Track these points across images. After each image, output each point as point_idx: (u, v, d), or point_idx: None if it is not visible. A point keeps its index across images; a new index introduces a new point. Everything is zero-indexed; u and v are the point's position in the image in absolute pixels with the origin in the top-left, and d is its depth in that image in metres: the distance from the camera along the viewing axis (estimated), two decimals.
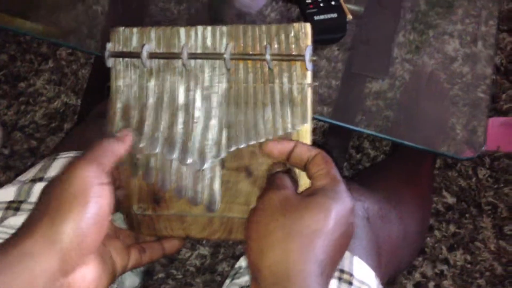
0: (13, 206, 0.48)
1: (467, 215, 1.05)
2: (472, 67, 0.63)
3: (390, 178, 0.67)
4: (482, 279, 1.00)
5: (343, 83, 0.60)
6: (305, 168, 0.43)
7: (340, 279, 0.47)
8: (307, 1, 0.58)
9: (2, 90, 1.12)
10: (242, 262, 0.52)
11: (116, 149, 0.42)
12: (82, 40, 0.66)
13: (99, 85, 1.09)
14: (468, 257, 1.02)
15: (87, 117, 0.70)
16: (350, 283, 0.46)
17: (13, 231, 0.45)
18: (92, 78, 1.13)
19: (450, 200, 1.07)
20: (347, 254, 0.48)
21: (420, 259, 1.00)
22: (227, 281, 0.52)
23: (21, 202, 0.49)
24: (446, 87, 0.61)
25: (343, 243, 0.39)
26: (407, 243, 0.60)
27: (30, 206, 0.48)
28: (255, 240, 0.38)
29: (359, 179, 0.61)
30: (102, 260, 0.40)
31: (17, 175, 0.53)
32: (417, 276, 1.00)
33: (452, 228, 1.04)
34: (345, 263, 0.48)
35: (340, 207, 0.38)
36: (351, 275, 0.47)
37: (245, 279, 0.50)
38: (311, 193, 0.40)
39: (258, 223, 0.39)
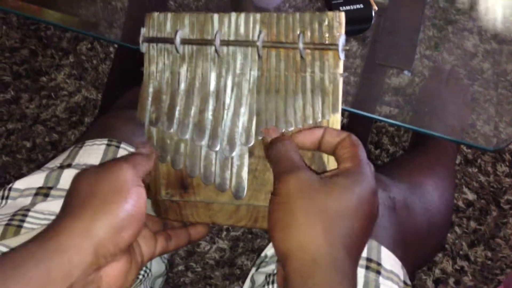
0: (43, 192, 0.49)
1: (487, 212, 1.04)
2: (492, 63, 0.63)
3: (413, 170, 0.67)
4: (502, 275, 0.99)
5: (366, 73, 0.60)
6: (334, 152, 0.42)
7: (368, 268, 0.46)
8: None
9: (24, 84, 1.14)
10: (268, 251, 0.52)
11: (149, 162, 0.45)
12: (104, 31, 0.67)
13: (120, 80, 1.10)
14: (489, 254, 1.01)
15: (109, 109, 0.70)
16: (378, 272, 0.46)
17: (43, 216, 0.46)
18: (112, 73, 1.14)
19: (471, 196, 1.06)
20: (374, 243, 0.48)
21: (440, 255, 1.00)
22: (253, 269, 0.52)
23: (50, 188, 0.49)
24: (467, 83, 0.61)
25: (367, 225, 0.38)
26: (431, 235, 0.60)
27: (60, 193, 0.49)
28: (279, 226, 0.38)
29: (382, 171, 0.60)
30: (132, 252, 0.41)
31: (38, 167, 0.54)
32: (437, 272, 0.99)
33: (472, 224, 1.03)
34: (372, 252, 0.47)
35: (364, 188, 0.38)
36: (379, 264, 0.47)
37: (271, 267, 0.50)
38: (334, 174, 0.39)
39: (280, 210, 0.38)
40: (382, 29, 0.61)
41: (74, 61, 1.16)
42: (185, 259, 0.99)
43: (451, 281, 0.99)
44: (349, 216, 0.37)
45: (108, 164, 0.41)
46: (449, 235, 1.02)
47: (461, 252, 1.01)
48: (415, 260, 0.56)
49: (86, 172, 0.41)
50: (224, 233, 1.01)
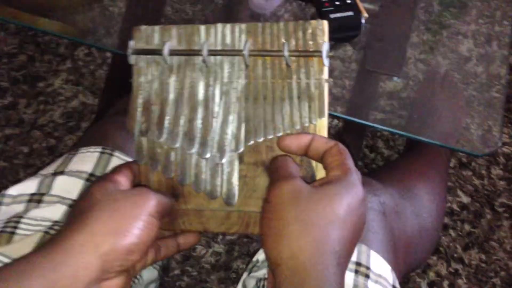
0: (35, 199, 0.50)
1: (482, 215, 1.05)
2: (486, 67, 0.63)
3: (405, 175, 0.68)
4: (497, 278, 1.00)
5: (357, 80, 0.61)
6: (321, 160, 0.43)
7: (357, 272, 0.47)
8: (323, 0, 0.59)
9: (22, 90, 1.14)
10: (259, 256, 0.53)
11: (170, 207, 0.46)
12: (101, 39, 0.67)
13: (116, 85, 1.11)
14: (483, 256, 1.01)
15: (106, 114, 0.71)
16: (367, 276, 0.47)
17: (36, 222, 0.47)
18: (109, 78, 1.15)
19: (465, 199, 1.06)
20: (364, 247, 0.49)
21: (435, 258, 1.00)
22: (245, 274, 0.53)
23: (42, 194, 0.50)
24: (461, 86, 0.62)
25: (356, 233, 0.39)
26: (422, 239, 0.61)
27: (52, 198, 0.50)
28: (271, 234, 0.38)
29: (374, 175, 0.61)
30: (130, 272, 0.41)
31: (35, 172, 0.55)
32: (431, 275, 1.00)
33: (467, 227, 1.04)
34: (362, 257, 0.48)
35: (353, 197, 0.39)
36: (368, 268, 0.47)
37: (262, 272, 0.51)
38: (323, 183, 0.40)
39: (272, 218, 0.39)
40: (373, 36, 0.62)
41: (71, 67, 1.17)
42: (181, 263, 0.99)
43: (445, 284, 1.00)
44: (339, 224, 0.37)
45: (136, 191, 0.42)
46: (443, 238, 1.03)
47: (455, 255, 1.02)
48: (407, 264, 0.56)
49: (108, 185, 0.42)
50: (220, 237, 1.02)
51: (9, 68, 1.16)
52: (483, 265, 1.01)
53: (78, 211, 0.40)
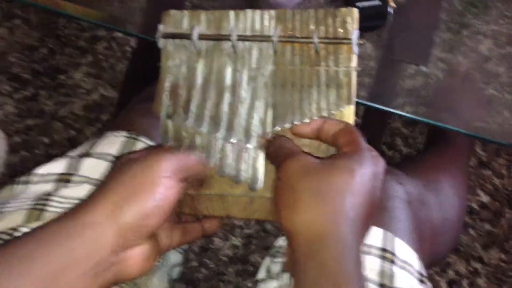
0: (64, 178, 0.50)
1: (502, 214, 1.04)
2: (507, 67, 0.63)
3: (428, 168, 0.67)
4: None
5: (382, 69, 0.61)
6: (334, 142, 0.43)
7: (383, 257, 0.47)
8: None
9: (43, 82, 1.16)
10: (281, 241, 0.53)
11: (195, 168, 0.44)
12: (124, 23, 0.68)
13: (136, 79, 1.12)
14: (503, 256, 1.00)
15: (131, 102, 0.72)
16: (393, 262, 0.47)
17: (66, 200, 0.47)
18: (129, 72, 1.16)
19: (485, 198, 1.05)
20: (389, 234, 0.48)
21: (454, 256, 0.99)
22: (267, 259, 0.53)
23: (70, 174, 0.51)
24: (481, 86, 0.61)
25: (370, 205, 0.39)
26: (446, 231, 0.60)
27: (79, 179, 0.50)
28: (284, 207, 0.39)
29: (397, 167, 0.61)
30: (153, 241, 0.42)
31: None
32: (450, 273, 0.99)
33: (486, 226, 1.03)
34: (387, 243, 0.48)
35: (364, 169, 0.39)
36: (393, 254, 0.47)
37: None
38: (333, 157, 0.40)
39: (284, 192, 0.39)
40: (399, 26, 0.61)
41: (92, 60, 1.18)
42: (199, 255, 1.00)
43: (464, 282, 0.99)
44: (352, 194, 0.38)
45: (149, 153, 0.42)
46: (463, 236, 1.02)
47: (475, 254, 1.01)
48: (429, 255, 0.56)
49: (125, 158, 0.42)
50: (238, 230, 1.02)
51: (31, 60, 1.17)
52: (503, 264, 1.00)
53: (99, 186, 0.41)
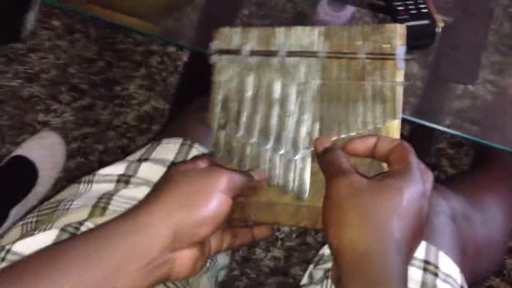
0: (124, 179, 0.54)
1: None
2: None
3: (474, 186, 0.67)
4: None
5: (430, 87, 0.62)
6: (387, 159, 0.44)
7: (425, 269, 0.47)
8: (398, 8, 0.60)
9: (99, 93, 1.22)
10: (325, 250, 0.54)
11: (248, 185, 0.47)
12: (183, 38, 0.72)
13: (186, 91, 1.17)
14: None
15: (185, 111, 0.76)
16: (436, 275, 0.47)
17: (125, 200, 0.51)
18: (180, 85, 1.20)
19: None
20: (432, 247, 0.49)
21: (498, 280, 0.97)
22: (311, 266, 0.54)
23: (130, 176, 0.54)
24: None
25: (417, 225, 0.39)
26: (490, 249, 0.60)
27: (138, 181, 0.54)
28: (332, 224, 0.40)
29: (442, 184, 0.61)
30: (203, 245, 0.44)
31: None
32: None
33: None
34: (430, 256, 0.48)
35: (413, 188, 0.39)
36: (436, 267, 0.48)
37: (329, 265, 0.52)
38: (384, 176, 0.41)
39: (332, 210, 0.41)
40: (447, 45, 0.62)
41: (145, 73, 1.24)
42: (240, 264, 1.02)
43: None
44: (399, 215, 0.38)
45: (209, 168, 0.45)
46: (507, 260, 0.99)
47: None
48: (474, 271, 0.56)
49: (184, 166, 0.45)
50: (279, 242, 1.03)
51: (89, 72, 1.24)
52: None
53: (156, 188, 0.44)
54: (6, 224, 1.05)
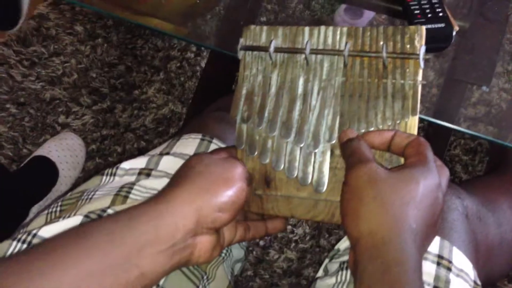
0: (145, 172, 0.56)
1: None
2: None
3: (488, 187, 0.68)
4: None
5: (446, 89, 0.63)
6: (403, 153, 0.45)
7: (438, 264, 0.48)
8: (415, 12, 0.62)
9: (119, 96, 1.25)
10: (341, 245, 0.56)
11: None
12: (205, 39, 0.75)
13: (203, 96, 1.19)
14: None
15: (205, 110, 0.78)
16: (449, 269, 0.48)
17: (146, 190, 0.53)
18: (198, 90, 1.23)
19: None
20: (446, 243, 0.50)
21: (511, 285, 0.97)
22: (326, 260, 0.56)
23: (151, 169, 0.56)
24: None
25: (432, 216, 0.41)
26: (503, 250, 0.60)
27: (159, 173, 0.56)
28: (350, 213, 0.42)
29: (457, 184, 0.62)
30: (218, 233, 0.46)
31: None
32: None
33: None
34: (444, 251, 0.50)
35: (429, 180, 0.41)
36: (450, 262, 0.49)
37: (344, 258, 0.53)
38: (401, 168, 0.43)
39: (351, 198, 0.42)
40: (463, 48, 0.64)
41: (164, 78, 1.27)
42: (254, 265, 1.03)
43: None
44: (415, 204, 0.40)
45: (228, 158, 0.48)
46: None
47: None
48: (486, 270, 0.57)
49: (204, 156, 0.47)
50: (293, 244, 1.05)
51: (110, 76, 1.28)
52: None
53: (178, 176, 0.46)
54: (25, 222, 1.07)
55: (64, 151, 1.13)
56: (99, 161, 1.18)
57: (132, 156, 1.18)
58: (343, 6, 0.76)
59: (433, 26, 0.61)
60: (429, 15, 0.62)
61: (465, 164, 1.12)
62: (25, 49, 1.30)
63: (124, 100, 1.25)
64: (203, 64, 1.26)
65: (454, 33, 0.62)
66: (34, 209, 1.08)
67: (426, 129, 1.09)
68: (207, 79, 1.21)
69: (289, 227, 1.06)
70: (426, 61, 0.50)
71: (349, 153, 0.46)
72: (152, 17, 0.76)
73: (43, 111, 1.24)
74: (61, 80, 1.27)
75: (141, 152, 1.19)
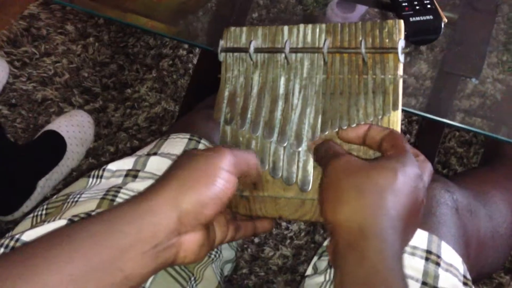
0: (132, 174, 0.55)
1: None
2: None
3: (480, 181, 0.67)
4: None
5: (435, 82, 0.63)
6: (379, 148, 0.45)
7: (427, 259, 0.48)
8: (403, 4, 0.61)
9: (111, 95, 1.25)
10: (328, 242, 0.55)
11: (251, 164, 0.47)
12: (194, 38, 0.74)
13: (196, 94, 1.18)
14: None
15: (194, 109, 0.77)
16: (438, 264, 0.48)
17: (133, 193, 0.52)
18: (190, 87, 1.22)
19: None
20: (435, 238, 0.50)
21: (508, 277, 0.96)
22: (315, 258, 0.55)
23: (138, 171, 0.56)
24: None
25: (412, 205, 0.40)
26: (495, 243, 0.60)
27: (146, 175, 0.55)
28: (328, 201, 0.42)
29: (448, 179, 0.62)
30: (208, 231, 0.45)
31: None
32: None
33: None
34: (432, 246, 0.49)
35: (406, 169, 0.41)
36: (438, 257, 0.48)
37: None
38: (378, 158, 0.43)
39: (328, 188, 0.42)
40: (452, 40, 0.63)
41: (156, 76, 1.26)
42: (249, 262, 1.03)
43: None
44: (393, 192, 0.40)
45: (214, 149, 0.45)
46: None
47: None
48: (478, 264, 0.56)
49: (192, 152, 0.46)
50: (288, 241, 1.04)
51: (101, 75, 1.27)
52: None
53: (164, 174, 0.45)
54: (33, 196, 1.10)
55: (74, 127, 1.15)
56: (92, 161, 1.18)
57: (125, 155, 1.18)
58: (335, 0, 0.75)
59: (421, 18, 0.60)
60: (417, 7, 0.61)
61: (460, 156, 1.11)
62: (16, 50, 1.29)
63: (116, 99, 1.24)
64: (195, 62, 1.25)
65: (442, 25, 0.61)
66: (41, 183, 1.10)
67: (420, 121, 1.08)
68: (199, 77, 1.20)
69: (284, 223, 1.05)
70: (407, 54, 0.49)
71: (321, 154, 0.46)
72: (142, 15, 0.75)
73: (34, 112, 1.23)
74: (53, 80, 1.26)
75: (134, 151, 1.18)
